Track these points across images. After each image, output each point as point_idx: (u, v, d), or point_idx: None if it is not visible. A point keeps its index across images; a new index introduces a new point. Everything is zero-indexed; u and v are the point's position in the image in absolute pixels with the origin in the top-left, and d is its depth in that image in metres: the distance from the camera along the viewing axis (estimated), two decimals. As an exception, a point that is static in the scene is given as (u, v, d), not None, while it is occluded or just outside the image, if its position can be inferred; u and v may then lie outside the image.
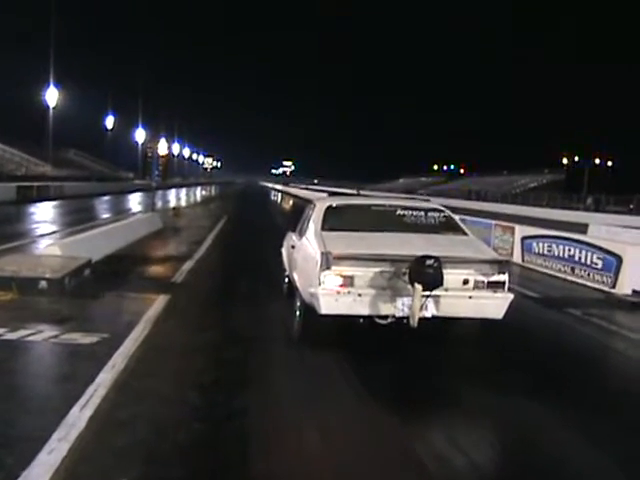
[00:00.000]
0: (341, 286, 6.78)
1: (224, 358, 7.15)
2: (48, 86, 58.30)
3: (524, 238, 16.94)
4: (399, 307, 6.80)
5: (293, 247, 9.09)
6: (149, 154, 55.47)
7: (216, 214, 31.36)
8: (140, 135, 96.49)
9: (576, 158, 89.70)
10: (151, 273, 12.38)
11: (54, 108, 58.97)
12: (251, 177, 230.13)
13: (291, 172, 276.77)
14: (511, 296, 7.12)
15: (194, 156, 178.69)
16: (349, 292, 6.77)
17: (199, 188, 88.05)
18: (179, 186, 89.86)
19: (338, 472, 4.62)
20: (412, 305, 6.59)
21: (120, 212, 31.31)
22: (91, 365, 6.22)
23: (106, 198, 45.92)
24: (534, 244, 16.29)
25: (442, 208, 8.85)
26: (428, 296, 6.65)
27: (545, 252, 15.65)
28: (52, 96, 58.50)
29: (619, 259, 12.78)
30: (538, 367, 7.47)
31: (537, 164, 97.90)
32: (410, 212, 8.43)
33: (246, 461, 4.67)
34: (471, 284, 7.01)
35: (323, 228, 7.86)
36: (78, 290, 9.66)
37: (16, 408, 5.23)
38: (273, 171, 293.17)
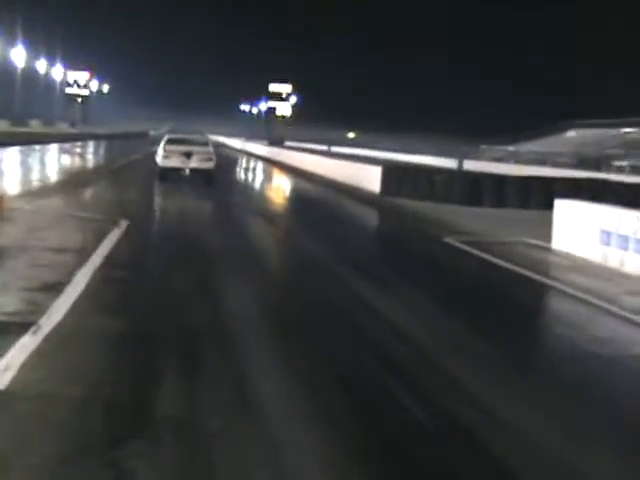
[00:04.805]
0: (166, 158, 23.49)
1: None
2: None
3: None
4: (184, 165, 23.37)
5: (156, 151, 25.57)
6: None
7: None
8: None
9: None
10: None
11: None
12: (190, 122, 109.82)
13: (293, 110, 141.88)
14: (214, 163, 24.04)
15: (54, 72, 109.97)
16: (168, 158, 23.47)
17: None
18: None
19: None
20: (186, 164, 23.31)
21: None
22: None
23: None
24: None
25: (206, 139, 27.58)
26: (189, 160, 23.37)
27: None
28: None
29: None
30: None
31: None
32: (195, 139, 26.28)
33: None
34: (204, 158, 23.85)
35: (165, 143, 24.37)
36: None
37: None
38: (244, 108, 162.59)
